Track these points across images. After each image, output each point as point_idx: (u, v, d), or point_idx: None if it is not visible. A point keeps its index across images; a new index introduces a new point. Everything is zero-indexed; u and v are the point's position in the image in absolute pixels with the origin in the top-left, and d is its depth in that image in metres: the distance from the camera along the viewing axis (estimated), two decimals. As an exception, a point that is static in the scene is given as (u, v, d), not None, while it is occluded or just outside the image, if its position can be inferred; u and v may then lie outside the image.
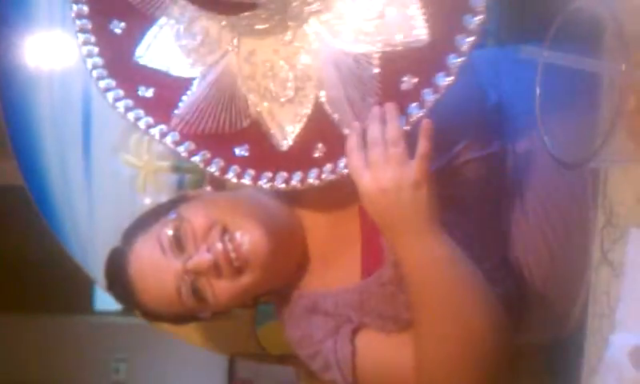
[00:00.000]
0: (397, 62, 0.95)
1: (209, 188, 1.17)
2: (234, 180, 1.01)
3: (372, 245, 1.04)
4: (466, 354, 0.94)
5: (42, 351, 3.22)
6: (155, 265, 1.05)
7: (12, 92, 1.45)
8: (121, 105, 1.04)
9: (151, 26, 1.07)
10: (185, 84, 1.05)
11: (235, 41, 1.03)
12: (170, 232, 1.04)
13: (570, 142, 0.57)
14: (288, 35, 1.00)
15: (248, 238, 1.02)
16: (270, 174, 1.00)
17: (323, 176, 0.97)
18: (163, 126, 1.03)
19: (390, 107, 0.93)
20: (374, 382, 1.07)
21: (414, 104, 0.92)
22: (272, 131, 1.02)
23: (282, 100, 1.01)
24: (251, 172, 1.01)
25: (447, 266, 0.94)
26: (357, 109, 0.96)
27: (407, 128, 0.93)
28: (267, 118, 1.03)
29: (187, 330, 1.45)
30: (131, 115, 1.04)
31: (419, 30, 0.94)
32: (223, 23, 1.02)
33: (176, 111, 1.04)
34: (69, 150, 1.46)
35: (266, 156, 1.01)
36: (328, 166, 0.97)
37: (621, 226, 0.74)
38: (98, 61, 1.05)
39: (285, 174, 0.99)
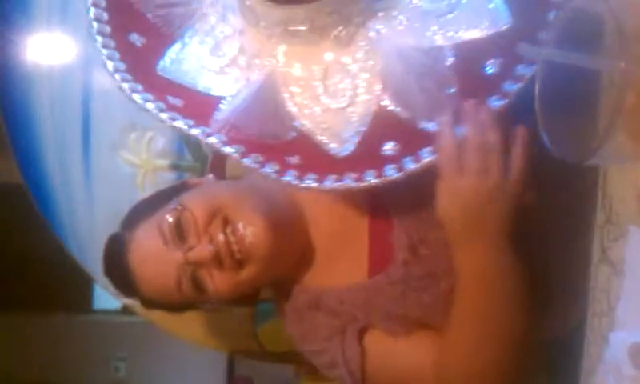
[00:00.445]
0: (474, 52, 0.91)
1: (211, 176, 1.16)
2: (295, 182, 0.93)
3: (381, 242, 1.03)
4: (500, 360, 0.94)
5: (41, 349, 3.22)
6: (156, 255, 1.04)
7: (11, 90, 1.46)
8: (152, 106, 0.97)
9: (173, 44, 1.02)
10: (216, 101, 0.98)
11: (278, 51, 0.99)
12: (172, 221, 1.02)
13: (569, 139, 0.57)
14: (343, 36, 0.96)
15: (251, 229, 1.00)
16: (334, 176, 0.93)
17: (386, 174, 0.90)
18: (206, 128, 0.96)
19: (485, 110, 0.88)
20: (384, 382, 1.06)
21: (495, 96, 0.89)
22: (325, 140, 0.95)
23: (335, 106, 0.96)
24: (313, 175, 0.93)
25: (508, 279, 0.93)
26: (433, 101, 0.91)
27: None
28: (317, 128, 0.96)
29: (187, 329, 1.46)
30: (165, 116, 0.97)
31: (500, 19, 0.90)
32: (265, 31, 0.97)
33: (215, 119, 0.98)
34: (68, 148, 1.46)
35: (322, 163, 0.95)
36: (408, 159, 0.90)
37: (620, 224, 0.74)
38: (120, 65, 1.00)
39: (353, 175, 0.92)
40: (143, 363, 3.30)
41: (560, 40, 0.55)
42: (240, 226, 1.00)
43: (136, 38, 1.01)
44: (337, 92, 0.96)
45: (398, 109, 0.93)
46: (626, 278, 0.72)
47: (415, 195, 0.99)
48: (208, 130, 0.95)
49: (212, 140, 0.95)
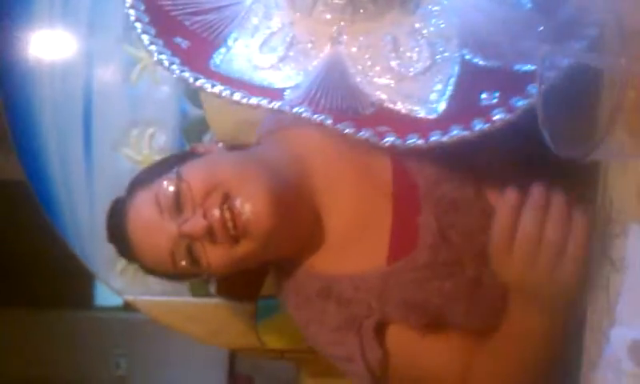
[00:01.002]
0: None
1: (221, 144, 1.13)
2: (398, 143, 0.87)
3: (405, 226, 0.99)
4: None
5: (42, 346, 3.22)
6: (151, 224, 1.02)
7: (13, 86, 1.45)
8: (220, 87, 0.93)
9: (218, 49, 0.99)
10: (280, 91, 0.95)
11: (338, 32, 0.96)
12: (170, 191, 0.99)
13: (570, 137, 0.57)
14: (411, 4, 0.95)
15: (249, 206, 0.97)
16: (438, 131, 0.87)
17: (495, 118, 0.84)
18: (288, 102, 0.92)
19: (558, 201, 0.83)
20: (405, 381, 1.03)
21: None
22: (410, 107, 0.91)
23: (414, 73, 0.93)
24: (415, 134, 0.87)
25: (552, 340, 0.91)
26: (519, 46, 0.83)
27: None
28: (397, 97, 0.92)
29: (188, 325, 1.46)
30: (238, 95, 0.92)
31: None
32: (322, 14, 0.96)
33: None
34: (69, 145, 1.46)
35: (417, 124, 0.89)
36: (500, 109, 0.85)
37: (621, 221, 0.74)
38: (175, 60, 0.96)
39: (459, 126, 0.85)
40: (144, 360, 3.30)
41: (561, 37, 0.55)
42: (238, 201, 0.97)
43: (180, 41, 0.98)
44: (412, 58, 0.94)
45: (486, 61, 0.90)
46: (626, 275, 0.72)
47: (445, 175, 0.97)
48: (291, 102, 0.91)
49: (299, 109, 0.90)
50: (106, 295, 3.10)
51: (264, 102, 0.91)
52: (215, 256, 0.99)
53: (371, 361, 1.00)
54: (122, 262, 1.43)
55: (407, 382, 1.04)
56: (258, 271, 1.14)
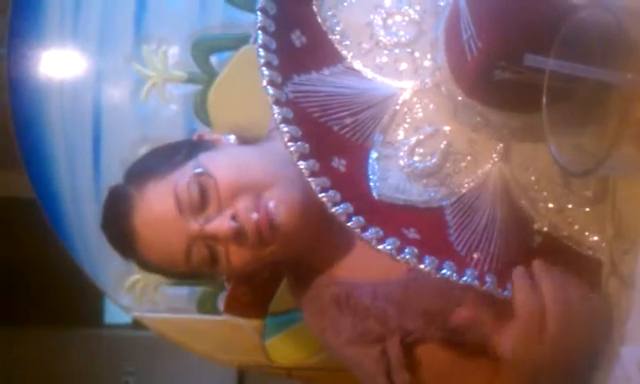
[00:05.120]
0: None
1: (233, 137, 1.08)
2: None
3: None
4: None
5: (51, 364, 3.21)
6: (167, 221, 0.94)
7: (23, 104, 1.46)
8: (391, 247, 0.84)
9: (369, 156, 0.91)
10: (441, 218, 0.88)
11: (502, 148, 0.88)
12: (196, 191, 0.93)
13: (576, 151, 0.56)
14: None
15: (284, 209, 0.93)
16: None
17: None
18: (468, 270, 0.84)
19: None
20: None
21: None
22: (584, 252, 0.86)
23: (587, 208, 0.86)
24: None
25: None
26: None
27: None
28: (566, 228, 0.87)
29: (196, 341, 1.45)
30: (406, 257, 0.84)
31: None
32: (492, 135, 0.87)
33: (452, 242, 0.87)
34: (79, 162, 1.46)
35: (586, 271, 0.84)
36: None
37: (630, 237, 0.73)
38: (337, 196, 0.86)
39: None
40: (153, 379, 3.28)
41: (566, 51, 0.55)
42: (272, 204, 0.93)
43: (337, 162, 0.89)
44: (583, 184, 0.85)
45: None
46: (636, 292, 0.71)
47: None
48: (474, 272, 0.84)
49: (468, 279, 0.83)
50: (116, 313, 3.09)
51: (433, 269, 0.83)
52: (239, 257, 0.95)
53: (398, 382, 0.95)
54: (130, 280, 1.43)
55: None
56: (267, 287, 1.13)
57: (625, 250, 0.74)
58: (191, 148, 1.02)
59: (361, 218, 0.85)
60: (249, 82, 1.38)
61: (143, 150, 1.42)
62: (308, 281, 1.04)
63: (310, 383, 1.56)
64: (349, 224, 0.84)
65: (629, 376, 0.69)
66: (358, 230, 0.84)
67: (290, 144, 0.86)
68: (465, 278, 0.83)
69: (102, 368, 3.27)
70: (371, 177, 0.90)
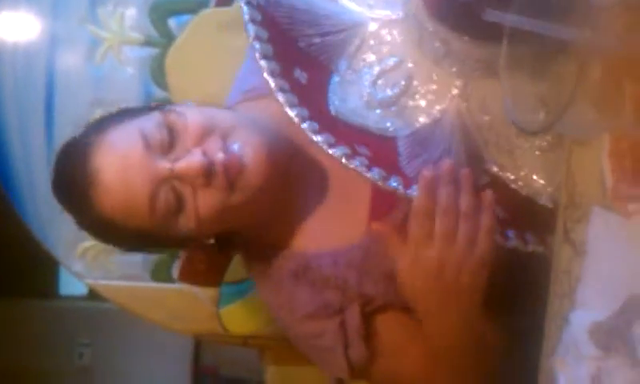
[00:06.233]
0: None
1: (191, 102, 1.03)
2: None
3: (385, 193, 0.91)
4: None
5: (4, 335, 3.17)
6: (132, 160, 0.89)
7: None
8: (344, 159, 0.86)
9: (331, 78, 0.93)
10: (393, 144, 0.90)
11: (461, 84, 0.90)
12: (166, 130, 0.90)
13: (531, 109, 0.56)
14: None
15: (250, 150, 0.91)
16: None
17: None
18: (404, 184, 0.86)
19: (466, 173, 0.83)
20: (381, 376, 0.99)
21: None
22: (524, 192, 0.87)
23: (537, 152, 0.87)
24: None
25: (481, 350, 0.89)
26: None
27: None
28: (513, 171, 0.88)
29: (151, 310, 1.44)
30: (355, 164, 0.86)
31: None
32: (453, 69, 0.89)
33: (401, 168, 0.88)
34: (31, 125, 1.43)
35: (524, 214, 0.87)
36: None
37: (583, 205, 0.74)
38: (304, 112, 0.88)
39: None
40: (108, 350, 3.26)
41: (527, 8, 0.55)
42: (236, 146, 0.91)
43: (299, 74, 0.91)
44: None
45: None
46: (587, 259, 0.72)
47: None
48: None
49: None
50: (71, 285, 3.05)
51: (379, 180, 0.85)
52: (206, 202, 0.91)
53: (353, 357, 0.96)
54: (82, 246, 1.41)
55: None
56: (222, 255, 1.11)
57: (577, 218, 0.74)
58: (154, 107, 0.99)
59: (315, 124, 0.86)
60: (208, 47, 1.37)
61: (98, 112, 1.39)
62: (263, 258, 1.02)
63: (265, 352, 1.56)
64: (303, 126, 0.85)
65: (578, 342, 0.69)
66: (311, 133, 0.85)
67: (254, 42, 0.88)
68: (410, 192, 0.84)
69: (57, 339, 3.24)
70: (331, 96, 0.91)
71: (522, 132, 0.56)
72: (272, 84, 0.87)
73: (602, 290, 0.68)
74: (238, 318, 1.44)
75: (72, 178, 0.94)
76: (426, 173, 0.82)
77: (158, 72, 1.39)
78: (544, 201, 0.87)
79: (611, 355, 0.63)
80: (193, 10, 1.38)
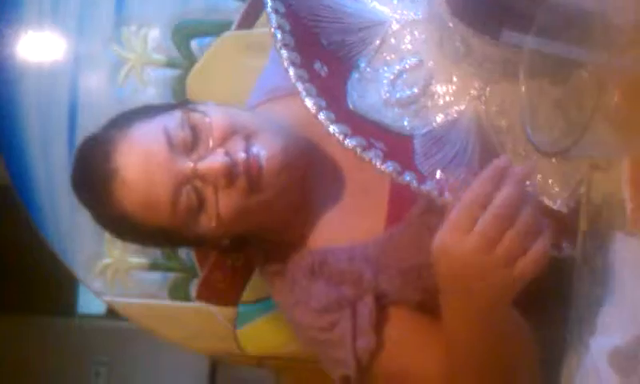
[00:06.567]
0: None
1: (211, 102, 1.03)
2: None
3: (403, 188, 0.88)
4: None
5: (22, 353, 3.19)
6: (155, 158, 0.90)
7: None
8: (358, 149, 0.86)
9: (351, 75, 0.93)
10: (409, 142, 0.89)
11: (479, 86, 0.89)
12: (189, 129, 0.90)
13: (550, 131, 0.56)
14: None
15: (271, 153, 0.92)
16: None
17: None
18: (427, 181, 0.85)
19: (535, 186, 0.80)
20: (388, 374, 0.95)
21: None
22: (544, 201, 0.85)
23: (553, 159, 0.85)
24: None
25: (503, 348, 0.84)
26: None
27: None
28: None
29: (168, 329, 1.44)
30: (369, 156, 0.85)
31: None
32: (472, 70, 0.88)
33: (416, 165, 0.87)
34: (54, 145, 1.44)
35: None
36: None
37: (603, 231, 0.73)
38: (322, 103, 0.88)
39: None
40: (125, 369, 3.26)
41: (546, 31, 0.55)
42: (256, 148, 0.92)
43: (319, 68, 0.91)
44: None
45: None
46: (608, 285, 0.71)
47: None
48: (434, 185, 0.83)
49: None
50: (89, 303, 3.06)
51: (405, 178, 0.83)
52: (228, 202, 0.91)
53: (361, 349, 0.93)
54: (101, 263, 1.41)
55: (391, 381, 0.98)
56: (240, 274, 1.12)
57: (598, 246, 0.74)
58: (177, 104, 1.00)
59: (332, 114, 0.86)
60: (229, 69, 1.38)
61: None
62: (279, 257, 1.02)
63: (281, 373, 1.55)
64: (319, 116, 0.85)
65: (597, 368, 0.69)
66: (327, 123, 0.85)
67: (275, 31, 0.88)
68: (425, 187, 0.83)
69: (74, 357, 3.24)
70: (349, 91, 0.91)
71: (539, 153, 0.56)
72: (291, 72, 0.87)
73: (622, 315, 0.68)
74: (254, 339, 1.44)
75: (93, 174, 0.95)
76: (502, 161, 0.74)
77: (179, 93, 1.40)
78: (559, 206, 0.85)
79: (631, 381, 0.63)
80: (215, 33, 1.39)
